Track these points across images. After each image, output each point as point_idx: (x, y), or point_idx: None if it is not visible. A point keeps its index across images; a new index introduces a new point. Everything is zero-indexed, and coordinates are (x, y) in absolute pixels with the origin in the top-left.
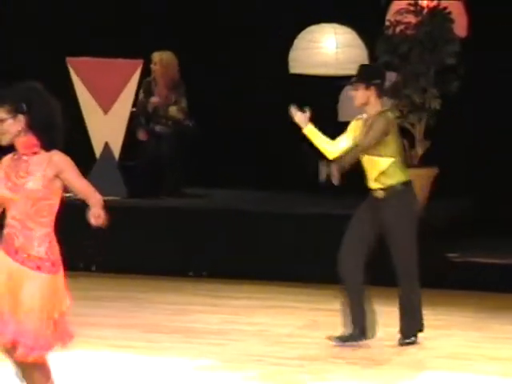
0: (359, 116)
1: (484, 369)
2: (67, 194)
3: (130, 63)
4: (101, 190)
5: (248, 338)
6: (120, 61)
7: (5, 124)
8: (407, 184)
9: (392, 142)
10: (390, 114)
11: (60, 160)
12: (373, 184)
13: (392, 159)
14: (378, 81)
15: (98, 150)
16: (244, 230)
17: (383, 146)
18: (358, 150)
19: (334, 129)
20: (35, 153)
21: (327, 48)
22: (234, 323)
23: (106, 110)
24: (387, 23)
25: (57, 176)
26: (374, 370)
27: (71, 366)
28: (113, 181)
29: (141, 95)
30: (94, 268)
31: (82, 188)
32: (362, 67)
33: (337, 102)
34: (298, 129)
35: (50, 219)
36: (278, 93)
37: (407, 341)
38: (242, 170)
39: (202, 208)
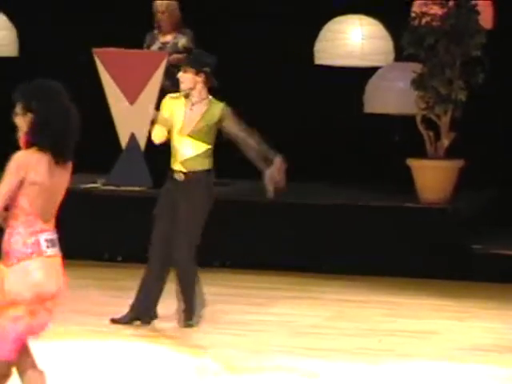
0: (173, 95)
1: (509, 361)
2: (90, 185)
3: (156, 54)
4: (127, 180)
5: (272, 329)
6: (146, 52)
7: (17, 119)
8: (209, 172)
9: (215, 131)
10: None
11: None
12: (177, 166)
13: (209, 146)
14: (207, 68)
15: (123, 140)
16: (268, 220)
17: (212, 133)
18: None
19: (359, 120)
20: None
21: (353, 39)
22: (257, 314)
23: (131, 101)
24: (413, 15)
25: None
26: (396, 361)
27: (97, 356)
28: (138, 171)
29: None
30: (119, 258)
31: None
32: (195, 53)
33: (363, 93)
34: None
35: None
36: (303, 83)
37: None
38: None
39: (226, 197)
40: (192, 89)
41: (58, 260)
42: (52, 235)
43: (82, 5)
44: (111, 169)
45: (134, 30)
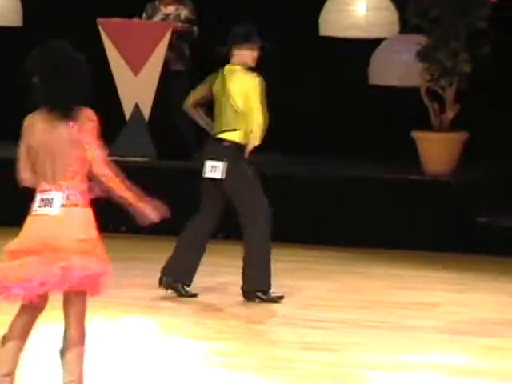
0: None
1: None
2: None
3: (161, 25)
4: (131, 151)
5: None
6: (150, 22)
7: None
8: None
9: None
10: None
11: None
12: None
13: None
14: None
15: (127, 111)
16: (273, 194)
17: None
18: None
19: (364, 92)
20: None
21: (358, 11)
22: None
23: (136, 72)
24: None
25: None
26: (400, 335)
27: (106, 329)
28: (142, 142)
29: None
30: (123, 229)
31: None
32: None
33: (367, 64)
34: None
35: None
36: (308, 55)
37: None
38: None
39: None
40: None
41: (53, 218)
42: (50, 195)
43: None
44: (115, 139)
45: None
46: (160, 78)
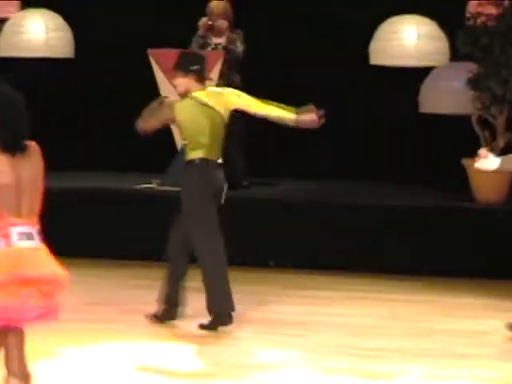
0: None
1: None
2: (145, 186)
3: (212, 54)
4: (182, 180)
5: (328, 329)
6: (201, 53)
7: None
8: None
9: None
10: (181, 101)
11: None
12: None
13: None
14: (195, 67)
15: (179, 140)
16: (317, 220)
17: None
18: None
19: (414, 121)
20: None
21: (408, 39)
22: (315, 314)
23: None
24: (468, 15)
25: None
26: (456, 363)
27: (151, 356)
28: None
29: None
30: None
31: None
32: (181, 56)
33: (418, 93)
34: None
35: None
36: (358, 84)
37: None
38: (307, 159)
39: (277, 198)
40: (188, 91)
41: (39, 251)
42: (28, 229)
43: (134, 5)
44: (166, 169)
45: (182, 31)
46: None
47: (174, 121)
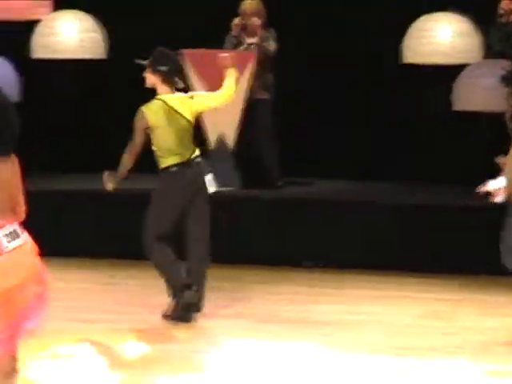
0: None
1: None
2: None
3: (244, 54)
4: (216, 181)
5: (366, 328)
6: (234, 52)
7: None
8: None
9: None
10: (146, 108)
11: None
12: None
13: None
14: (163, 68)
15: (212, 141)
16: (360, 220)
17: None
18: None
19: (448, 118)
20: None
21: (441, 37)
22: (352, 313)
23: None
24: (501, 12)
25: None
26: (492, 362)
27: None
28: (227, 172)
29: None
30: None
31: None
32: (154, 53)
33: (451, 91)
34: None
35: None
36: (391, 82)
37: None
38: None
39: (313, 197)
40: (154, 87)
41: (25, 248)
42: (11, 227)
43: (169, 6)
44: None
45: (216, 31)
46: (244, 107)
47: (148, 128)
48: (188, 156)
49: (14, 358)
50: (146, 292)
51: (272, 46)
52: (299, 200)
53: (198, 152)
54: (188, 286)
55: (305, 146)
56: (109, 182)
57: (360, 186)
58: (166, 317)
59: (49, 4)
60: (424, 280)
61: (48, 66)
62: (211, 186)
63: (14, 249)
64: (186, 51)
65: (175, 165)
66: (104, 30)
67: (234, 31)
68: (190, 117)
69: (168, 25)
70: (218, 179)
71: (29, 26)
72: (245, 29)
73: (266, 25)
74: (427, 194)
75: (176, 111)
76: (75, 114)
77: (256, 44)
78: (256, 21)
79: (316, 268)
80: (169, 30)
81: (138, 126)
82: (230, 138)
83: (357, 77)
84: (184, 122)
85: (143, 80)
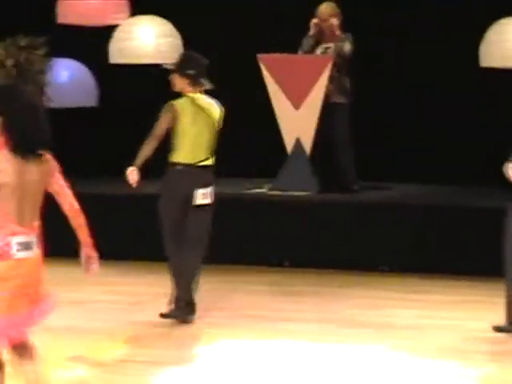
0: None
1: None
2: (256, 191)
3: (321, 58)
4: (292, 185)
5: (442, 333)
6: (311, 56)
7: None
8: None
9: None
10: (175, 102)
11: None
12: None
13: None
14: (191, 71)
15: (289, 145)
16: (436, 224)
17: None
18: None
19: None
20: None
21: None
22: (427, 318)
23: (297, 106)
24: None
25: None
26: None
27: (271, 357)
28: (304, 176)
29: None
30: (287, 263)
31: None
32: (182, 56)
33: None
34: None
35: None
36: (468, 86)
37: None
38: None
39: (388, 201)
40: (182, 91)
41: (33, 261)
42: (27, 238)
43: (245, 11)
44: (277, 174)
45: (296, 35)
46: (321, 111)
47: (175, 121)
48: (200, 160)
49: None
50: (212, 295)
51: (348, 49)
52: (375, 204)
53: (211, 161)
54: (189, 303)
55: (381, 150)
56: (131, 177)
57: (437, 189)
58: (164, 316)
59: (126, 9)
60: (495, 285)
61: (125, 71)
62: (203, 199)
63: (21, 259)
64: (260, 56)
65: (184, 164)
66: (180, 35)
67: (312, 31)
68: (216, 120)
69: (243, 29)
70: (295, 183)
71: (106, 32)
72: (321, 32)
73: (343, 28)
74: (505, 199)
75: (203, 110)
76: (151, 119)
77: (332, 48)
78: (332, 24)
79: (392, 272)
80: (244, 35)
81: (164, 116)
82: (307, 143)
83: (435, 80)
84: (209, 122)
85: (218, 85)
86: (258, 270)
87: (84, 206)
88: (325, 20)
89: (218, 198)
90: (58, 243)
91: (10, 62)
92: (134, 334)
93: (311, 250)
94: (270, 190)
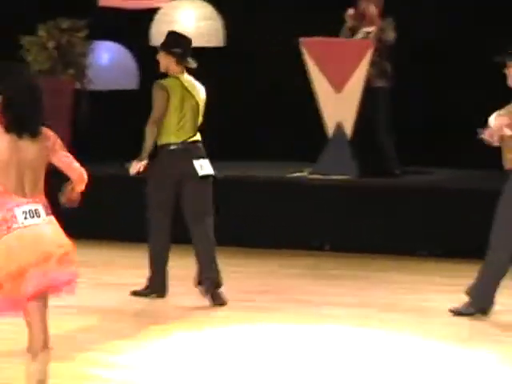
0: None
1: None
2: (297, 174)
3: (362, 43)
4: (333, 169)
5: (481, 317)
6: (352, 41)
7: None
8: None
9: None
10: (165, 82)
11: None
12: None
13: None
14: (177, 50)
15: (330, 129)
16: (479, 210)
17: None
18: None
19: None
20: None
21: None
22: None
23: (338, 90)
24: None
25: None
26: None
27: (307, 341)
28: (345, 160)
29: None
30: (327, 247)
31: None
32: (168, 35)
33: None
34: None
35: None
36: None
37: None
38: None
39: (430, 186)
40: (167, 70)
41: (45, 227)
42: (33, 206)
43: None
44: (318, 158)
45: (338, 19)
46: (362, 95)
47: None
48: (189, 136)
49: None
50: (253, 278)
51: (390, 35)
52: (416, 189)
53: (198, 136)
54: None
55: (423, 135)
56: (135, 169)
57: (478, 174)
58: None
59: None
60: None
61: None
62: (204, 170)
63: (30, 225)
64: (302, 39)
65: (175, 143)
66: (221, 18)
67: (349, 23)
68: (200, 101)
69: (284, 13)
70: (336, 167)
71: (147, 14)
72: (363, 17)
73: (384, 13)
74: None
75: (189, 91)
76: None
77: (374, 33)
78: (373, 10)
79: (430, 257)
80: (285, 18)
81: (160, 97)
82: (348, 127)
83: (473, 71)
84: (194, 103)
85: (260, 68)
86: (298, 254)
87: (126, 188)
88: (366, 3)
89: (259, 182)
90: (91, 226)
91: (51, 45)
92: (175, 317)
93: (351, 234)
94: (311, 173)
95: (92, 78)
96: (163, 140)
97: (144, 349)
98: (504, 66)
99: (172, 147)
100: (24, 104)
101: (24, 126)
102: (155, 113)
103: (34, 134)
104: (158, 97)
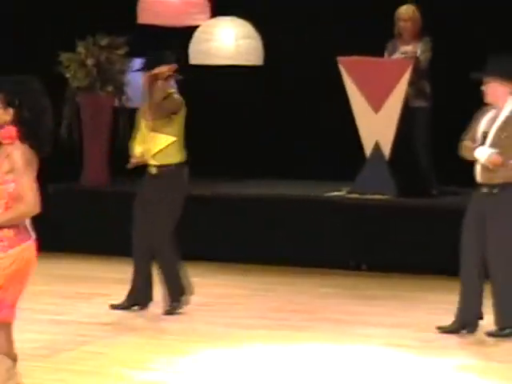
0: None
1: None
2: (335, 193)
3: (401, 62)
4: (371, 188)
5: None
6: (391, 60)
7: None
8: (181, 165)
9: (177, 123)
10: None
11: (17, 157)
12: (151, 160)
13: (173, 138)
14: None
15: (368, 148)
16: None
17: (169, 125)
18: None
19: None
20: (11, 143)
21: None
22: None
23: (376, 109)
24: None
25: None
26: None
27: (342, 361)
28: (383, 180)
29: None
30: (364, 267)
31: (20, 189)
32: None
33: None
34: None
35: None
36: None
37: None
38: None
39: (466, 207)
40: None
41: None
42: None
43: (324, 14)
44: (355, 177)
45: (376, 38)
46: (400, 115)
47: (175, 114)
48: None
49: None
50: (290, 296)
51: (426, 58)
52: (453, 209)
53: None
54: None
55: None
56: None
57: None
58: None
59: (207, 10)
60: None
61: (204, 71)
62: None
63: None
64: (340, 58)
65: (185, 163)
66: (260, 37)
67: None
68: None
69: (322, 31)
70: (374, 186)
71: (187, 32)
72: (400, 35)
73: (422, 32)
74: None
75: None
76: (231, 117)
77: (412, 52)
78: (410, 28)
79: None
80: (323, 36)
81: (179, 106)
82: (386, 146)
83: None
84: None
85: (298, 87)
86: (335, 273)
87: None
88: (404, 22)
89: (298, 200)
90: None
91: (90, 62)
92: (210, 334)
93: (388, 254)
94: (349, 192)
95: (130, 96)
96: (182, 158)
97: (176, 365)
98: (481, 83)
99: (184, 167)
100: (45, 124)
101: (44, 146)
102: (166, 103)
103: (45, 154)
104: (177, 105)
